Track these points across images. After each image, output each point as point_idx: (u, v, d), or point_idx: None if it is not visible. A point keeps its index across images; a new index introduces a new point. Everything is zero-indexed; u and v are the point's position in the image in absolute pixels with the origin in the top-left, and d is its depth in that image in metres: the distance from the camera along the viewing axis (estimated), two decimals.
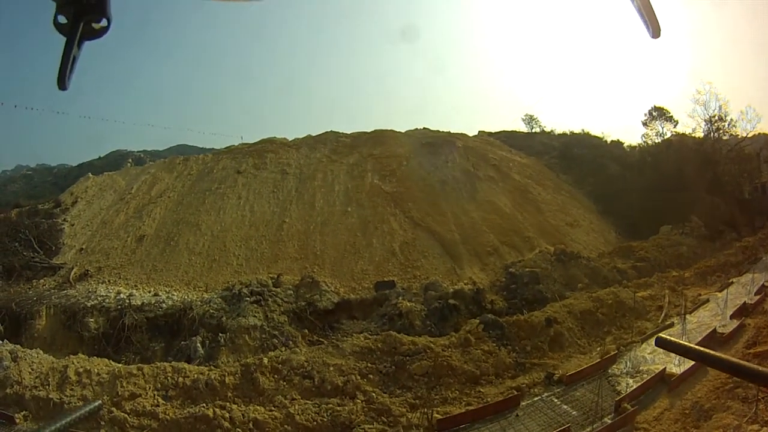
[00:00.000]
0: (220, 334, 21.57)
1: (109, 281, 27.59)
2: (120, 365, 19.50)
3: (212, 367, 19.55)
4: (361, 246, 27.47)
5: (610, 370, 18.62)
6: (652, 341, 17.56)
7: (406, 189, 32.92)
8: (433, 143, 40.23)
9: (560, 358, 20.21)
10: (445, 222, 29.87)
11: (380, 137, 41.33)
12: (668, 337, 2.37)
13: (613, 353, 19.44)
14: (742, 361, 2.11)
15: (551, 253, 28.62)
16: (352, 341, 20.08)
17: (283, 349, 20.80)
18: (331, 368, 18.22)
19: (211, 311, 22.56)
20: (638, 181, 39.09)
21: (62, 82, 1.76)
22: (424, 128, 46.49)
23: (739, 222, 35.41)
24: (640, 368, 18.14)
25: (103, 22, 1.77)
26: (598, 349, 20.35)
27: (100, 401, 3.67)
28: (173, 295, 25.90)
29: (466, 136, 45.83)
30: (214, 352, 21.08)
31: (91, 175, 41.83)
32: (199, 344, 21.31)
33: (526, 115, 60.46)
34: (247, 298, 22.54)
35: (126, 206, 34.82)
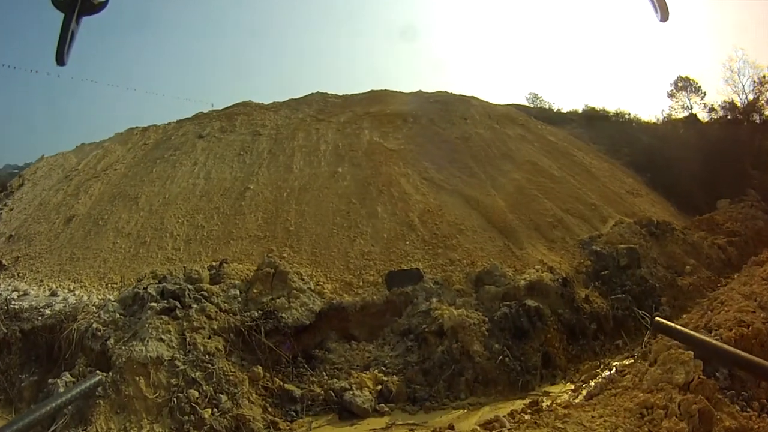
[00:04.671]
0: (100, 374, 10.30)
1: (18, 275, 16.51)
2: None
3: None
4: (358, 217, 15.55)
5: None
6: None
7: (418, 146, 21.02)
8: (444, 101, 28.21)
9: None
10: (481, 185, 18.12)
11: (378, 96, 28.98)
12: (665, 321, 2.12)
13: None
14: (741, 352, 1.79)
15: (639, 224, 17.48)
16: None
17: (212, 413, 9.44)
18: None
19: (96, 326, 11.04)
20: (679, 152, 29.83)
21: (61, 58, 1.63)
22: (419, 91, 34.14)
23: None
24: None
25: None
26: None
27: (99, 376, 2.32)
28: (75, 294, 14.57)
29: (477, 98, 33.57)
30: (88, 407, 9.71)
31: (44, 155, 30.69)
32: (62, 388, 9.97)
33: (530, 93, 49.79)
34: (154, 305, 10.97)
35: (68, 184, 23.74)
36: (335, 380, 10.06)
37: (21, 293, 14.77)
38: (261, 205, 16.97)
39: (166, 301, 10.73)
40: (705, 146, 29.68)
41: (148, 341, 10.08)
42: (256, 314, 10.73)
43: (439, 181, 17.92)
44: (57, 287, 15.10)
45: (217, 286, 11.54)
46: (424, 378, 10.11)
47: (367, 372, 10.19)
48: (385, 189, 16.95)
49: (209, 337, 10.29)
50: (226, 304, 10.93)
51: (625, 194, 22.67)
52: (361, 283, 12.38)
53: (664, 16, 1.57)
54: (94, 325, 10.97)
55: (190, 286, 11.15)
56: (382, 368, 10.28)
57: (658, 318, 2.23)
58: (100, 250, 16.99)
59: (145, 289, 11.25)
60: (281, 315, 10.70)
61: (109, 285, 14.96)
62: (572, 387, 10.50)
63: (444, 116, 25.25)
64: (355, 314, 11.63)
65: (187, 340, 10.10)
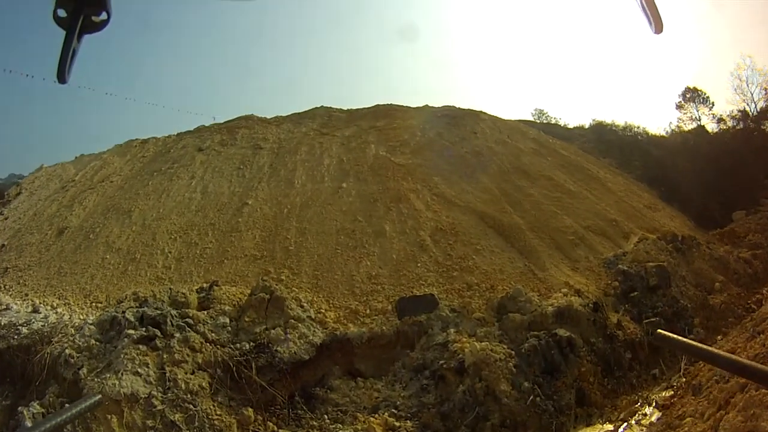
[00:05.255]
0: (99, 396, 8.88)
1: (4, 287, 14.95)
2: None
3: None
4: (365, 236, 14.04)
5: None
6: None
7: (426, 161, 19.52)
8: (452, 115, 26.80)
9: None
10: (496, 201, 16.61)
11: (384, 110, 27.45)
12: (666, 333, 2.21)
13: None
14: (742, 359, 1.87)
15: (664, 240, 15.92)
16: None
17: None
18: None
19: (70, 352, 9.57)
20: (691, 165, 28.80)
21: (62, 76, 1.60)
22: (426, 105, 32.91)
23: None
24: None
25: (103, 15, 1.62)
26: None
27: (99, 396, 2.41)
28: (57, 311, 13.08)
29: (485, 112, 32.15)
30: None
31: (44, 165, 29.55)
32: (28, 421, 8.53)
33: (536, 109, 48.09)
34: (131, 332, 9.48)
35: (63, 195, 22.39)
36: (339, 425, 8.53)
37: (3, 307, 13.41)
38: (259, 222, 15.56)
39: (144, 329, 9.27)
40: (717, 157, 28.64)
41: (122, 374, 8.66)
42: (248, 347, 9.22)
43: (452, 197, 16.48)
44: (40, 303, 13.73)
45: (206, 312, 10.05)
46: (443, 423, 8.57)
47: (376, 415, 8.65)
48: (394, 206, 15.50)
49: (192, 372, 8.81)
50: (213, 334, 9.44)
51: (644, 209, 21.33)
52: (368, 311, 10.84)
53: (658, 28, 1.51)
54: (67, 351, 9.59)
55: (173, 312, 9.68)
56: (393, 411, 8.74)
57: (659, 330, 2.27)
58: (89, 265, 15.62)
59: (123, 313, 9.79)
60: (276, 348, 9.17)
61: (94, 304, 13.58)
62: (611, 427, 9.14)
63: (453, 130, 23.92)
64: (361, 347, 10.10)
65: (167, 375, 8.64)
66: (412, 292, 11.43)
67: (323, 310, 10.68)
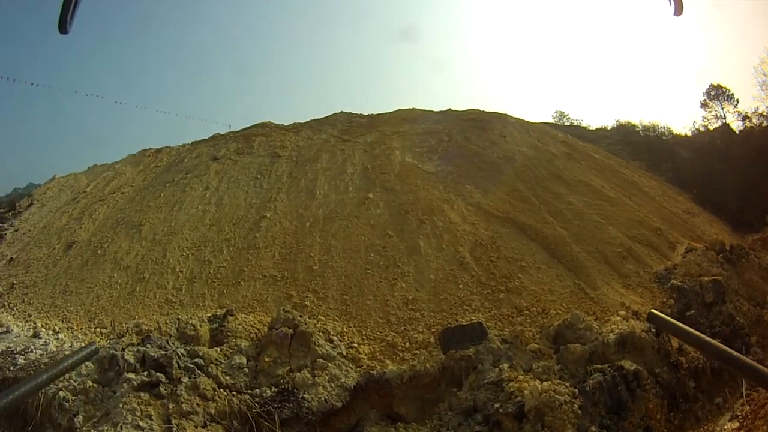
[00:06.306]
0: (95, 344, 7.52)
1: (8, 304, 14.27)
2: None
3: None
4: (397, 253, 12.45)
5: None
6: None
7: (457, 167, 17.94)
8: (478, 119, 25.05)
9: None
10: (535, 211, 14.99)
11: (406, 115, 25.79)
12: (660, 313, 2.24)
13: None
14: (729, 349, 1.90)
15: (713, 250, 14.41)
16: None
17: None
18: None
19: (65, 395, 8.13)
20: (721, 165, 27.70)
21: (63, 26, 1.63)
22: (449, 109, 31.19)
23: None
24: None
25: None
26: None
27: (95, 345, 2.44)
28: (58, 337, 11.79)
29: (511, 116, 30.26)
30: None
31: (57, 175, 27.54)
32: None
33: (557, 111, 46.67)
34: (132, 376, 8.01)
35: (74, 207, 21.15)
36: None
37: (2, 330, 12.42)
38: (279, 238, 14.06)
39: (147, 373, 7.79)
40: (746, 156, 27.33)
41: (121, 427, 7.17)
42: (269, 393, 7.70)
43: (488, 207, 14.88)
44: (42, 326, 12.64)
45: (218, 349, 8.55)
46: None
47: None
48: (427, 218, 13.89)
49: (204, 426, 7.33)
50: (228, 377, 7.94)
51: (683, 214, 19.73)
52: (407, 344, 9.23)
53: (679, 10, 1.62)
54: (62, 394, 8.14)
55: (181, 351, 8.22)
56: None
57: (652, 310, 2.28)
58: (95, 284, 14.39)
59: (123, 351, 8.31)
60: (303, 395, 7.62)
61: (98, 329, 12.32)
62: None
63: (481, 134, 22.27)
64: (401, 386, 8.54)
65: (174, 429, 7.13)
66: (455, 320, 9.84)
67: (355, 344, 9.11)
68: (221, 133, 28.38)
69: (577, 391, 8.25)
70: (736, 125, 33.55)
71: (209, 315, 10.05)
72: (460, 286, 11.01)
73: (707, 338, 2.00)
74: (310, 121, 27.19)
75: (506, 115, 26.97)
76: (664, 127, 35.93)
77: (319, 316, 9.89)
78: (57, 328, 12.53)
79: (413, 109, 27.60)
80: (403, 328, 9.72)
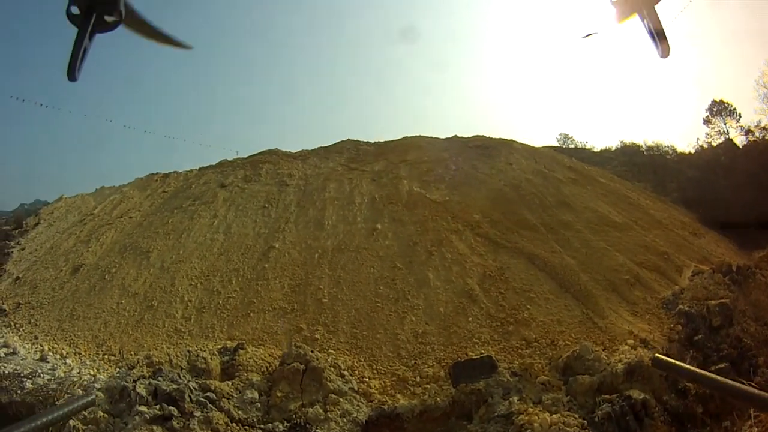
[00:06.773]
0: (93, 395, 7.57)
1: (15, 324, 14.49)
2: None
3: None
4: (406, 286, 12.50)
5: None
6: None
7: (464, 196, 18.13)
8: (484, 145, 25.45)
9: None
10: (543, 240, 15.06)
11: (412, 142, 26.19)
12: (664, 357, 2.38)
13: None
14: (734, 383, 1.93)
15: (719, 271, 14.23)
16: None
17: None
18: None
19: (75, 424, 8.10)
20: (725, 182, 27.20)
21: (72, 74, 1.64)
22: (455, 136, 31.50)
23: None
24: None
25: (115, 16, 1.65)
26: None
27: (93, 396, 1.91)
28: (66, 362, 11.88)
29: (517, 142, 30.56)
30: None
31: (64, 195, 27.76)
32: None
33: (561, 134, 46.22)
34: (143, 409, 8.01)
35: (81, 229, 21.40)
36: None
37: (9, 351, 12.49)
38: (288, 269, 14.14)
39: (159, 406, 7.80)
40: (750, 170, 26.90)
41: None
42: (282, 428, 7.73)
43: (496, 237, 14.94)
44: (49, 350, 12.75)
45: (230, 383, 8.57)
46: None
47: None
48: (435, 249, 13.97)
49: None
50: (240, 412, 7.96)
51: (689, 236, 19.70)
52: (417, 378, 9.26)
53: (666, 53, 1.63)
54: (72, 423, 8.14)
55: (193, 384, 8.24)
56: None
57: (656, 355, 2.45)
58: (103, 309, 14.54)
59: (134, 383, 8.33)
60: (316, 431, 7.61)
61: (106, 356, 12.40)
62: None
63: (487, 162, 22.51)
64: (412, 420, 8.53)
65: None
66: (465, 353, 9.86)
67: (366, 379, 9.14)
68: (228, 159, 28.69)
69: (586, 422, 8.29)
70: (740, 140, 33.68)
71: (219, 347, 10.09)
72: (470, 318, 11.04)
73: (711, 375, 2.02)
74: (318, 148, 27.49)
75: (512, 141, 27.24)
76: (668, 146, 36.23)
77: (330, 350, 9.93)
78: (64, 353, 12.59)
79: (420, 136, 27.92)
80: (413, 362, 9.75)
